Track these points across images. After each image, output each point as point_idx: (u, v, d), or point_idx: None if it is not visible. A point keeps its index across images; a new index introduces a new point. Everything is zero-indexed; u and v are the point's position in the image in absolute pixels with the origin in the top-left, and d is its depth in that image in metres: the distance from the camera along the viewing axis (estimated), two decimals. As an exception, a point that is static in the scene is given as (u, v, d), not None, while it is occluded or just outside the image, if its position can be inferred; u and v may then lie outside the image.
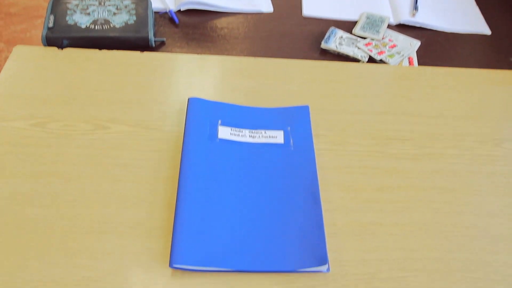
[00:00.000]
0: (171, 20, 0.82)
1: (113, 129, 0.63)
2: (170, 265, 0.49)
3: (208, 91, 0.69)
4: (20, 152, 0.59)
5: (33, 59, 0.70)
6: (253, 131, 0.63)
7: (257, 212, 0.55)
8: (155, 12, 0.82)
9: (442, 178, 0.61)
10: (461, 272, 0.53)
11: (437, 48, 0.83)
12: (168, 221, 0.54)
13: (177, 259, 0.49)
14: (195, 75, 0.71)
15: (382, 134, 0.66)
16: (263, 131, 0.63)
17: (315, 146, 0.63)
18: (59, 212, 0.54)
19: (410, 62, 0.78)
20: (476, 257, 0.54)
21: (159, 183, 0.57)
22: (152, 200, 0.56)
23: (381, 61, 0.77)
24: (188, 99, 0.65)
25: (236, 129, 0.63)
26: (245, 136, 0.62)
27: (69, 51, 0.72)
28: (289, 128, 0.64)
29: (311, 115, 0.67)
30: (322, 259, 0.50)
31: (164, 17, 0.82)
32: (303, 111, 0.66)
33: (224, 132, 0.62)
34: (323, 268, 0.50)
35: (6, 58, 1.68)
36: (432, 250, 0.54)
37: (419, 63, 0.79)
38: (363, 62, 0.77)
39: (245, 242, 0.52)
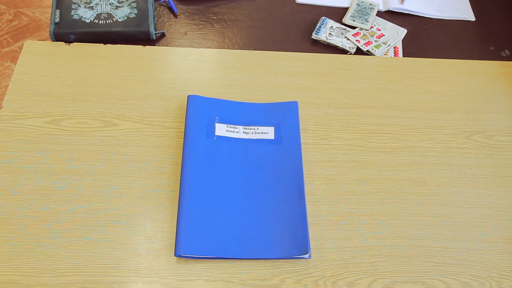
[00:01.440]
0: (170, 9, 0.86)
1: (121, 126, 0.69)
2: (175, 254, 0.58)
3: (206, 85, 0.75)
4: (39, 150, 0.66)
5: (44, 55, 0.76)
6: (247, 127, 0.70)
7: (249, 206, 0.63)
8: (154, 1, 0.86)
9: (415, 171, 0.69)
10: (423, 257, 0.62)
11: (423, 36, 0.87)
12: (172, 214, 0.62)
13: (181, 249, 0.58)
14: (194, 70, 0.77)
15: (364, 128, 0.73)
16: (255, 127, 0.70)
17: (302, 141, 0.71)
18: (78, 205, 0.62)
19: (395, 53, 0.83)
20: (438, 244, 0.63)
21: (163, 178, 0.65)
22: (158, 194, 0.64)
23: (368, 52, 0.82)
24: (188, 97, 0.71)
25: (231, 126, 0.70)
26: (239, 132, 0.69)
27: (76, 46, 0.77)
28: (279, 124, 0.70)
29: (300, 110, 0.74)
30: (304, 249, 0.59)
31: (163, 5, 0.86)
32: (292, 107, 0.72)
33: (221, 129, 0.69)
34: (306, 255, 0.59)
35: (7, 21, 1.70)
36: (400, 238, 0.63)
37: (404, 53, 0.84)
38: (351, 53, 0.82)
39: (238, 233, 0.61)
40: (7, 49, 1.68)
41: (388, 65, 0.81)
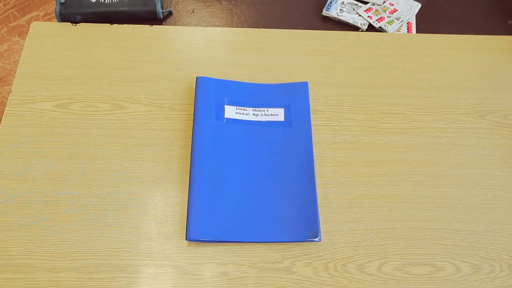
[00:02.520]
0: (177, -14, 0.84)
1: (130, 109, 0.69)
2: (187, 238, 0.58)
3: (214, 65, 0.74)
4: (50, 134, 0.66)
5: (50, 36, 0.75)
6: (256, 109, 0.69)
7: (259, 190, 0.63)
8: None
9: (427, 152, 0.68)
10: (434, 239, 0.62)
11: (437, 11, 0.84)
12: (183, 198, 0.63)
13: (192, 233, 0.59)
14: (202, 49, 0.76)
15: (375, 108, 0.72)
16: (265, 109, 0.69)
17: (312, 122, 0.70)
18: (90, 190, 0.62)
19: (409, 29, 0.81)
20: (449, 226, 0.63)
21: (173, 162, 0.65)
22: (168, 178, 0.64)
23: (380, 29, 0.80)
24: (196, 78, 0.70)
25: (240, 108, 0.69)
26: (249, 114, 0.69)
27: (82, 27, 0.76)
28: (289, 105, 0.70)
29: (310, 90, 0.73)
30: (314, 232, 0.60)
31: (170, -18, 0.84)
32: (303, 87, 0.71)
33: (230, 111, 0.68)
34: (316, 239, 0.60)
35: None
36: (411, 220, 0.63)
37: (418, 29, 0.81)
38: (362, 30, 0.80)
39: (248, 216, 0.61)
40: (14, 23, 1.67)
41: (401, 42, 0.79)
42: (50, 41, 0.75)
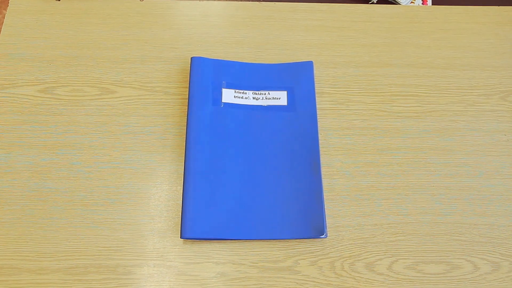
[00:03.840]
0: (170, -46, 0.77)
1: (119, 93, 0.64)
2: (181, 236, 0.54)
3: (211, 44, 0.68)
4: (33, 121, 0.61)
5: (32, 13, 0.69)
6: (257, 92, 0.64)
7: (260, 182, 0.58)
8: None
9: (442, 138, 0.63)
10: (449, 235, 0.57)
11: (455, -21, 0.77)
12: (177, 191, 0.58)
13: (187, 231, 0.54)
14: (197, 26, 0.69)
15: (387, 90, 0.66)
16: (266, 92, 0.64)
17: (318, 106, 0.64)
18: (77, 184, 0.58)
19: (424, 0, 0.74)
20: (466, 220, 0.58)
21: (167, 152, 0.60)
22: (161, 170, 0.59)
23: (393, 0, 0.73)
24: (191, 59, 0.64)
25: (239, 91, 0.63)
26: (248, 98, 0.63)
27: (67, 2, 0.70)
28: (292, 88, 0.64)
29: (315, 70, 0.67)
30: (320, 230, 0.55)
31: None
32: (307, 67, 0.65)
33: (228, 95, 0.63)
34: (321, 235, 0.55)
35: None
36: (424, 213, 0.58)
37: (434, 0, 0.74)
38: (373, 2, 0.73)
39: (248, 212, 0.56)
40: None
41: (415, 15, 0.72)
42: (32, 19, 0.68)
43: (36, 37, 0.67)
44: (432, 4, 0.74)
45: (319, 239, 0.56)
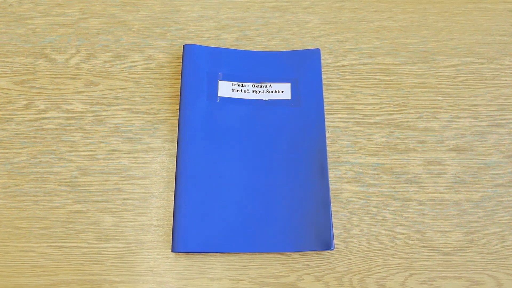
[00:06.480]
0: None
1: (104, 85, 0.57)
2: (173, 250, 0.49)
3: (206, 28, 0.61)
4: (8, 119, 0.55)
5: (6, -7, 0.62)
6: (257, 84, 0.57)
7: (260, 188, 0.52)
8: None
9: (464, 136, 0.56)
10: (470, 246, 0.52)
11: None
12: (168, 198, 0.52)
13: (179, 244, 0.49)
14: (191, 7, 0.62)
15: (402, 81, 0.59)
16: (268, 85, 0.57)
17: (325, 100, 0.58)
18: (58, 189, 0.52)
19: (445, -24, 0.66)
20: (488, 230, 0.52)
21: (157, 153, 0.54)
22: (150, 174, 0.53)
23: (410, -23, 0.65)
24: (184, 47, 0.57)
25: (238, 83, 0.57)
26: (248, 91, 0.57)
27: (45, -20, 0.63)
28: (297, 79, 0.57)
29: (323, 59, 0.60)
30: (326, 242, 0.49)
31: None
32: (314, 56, 0.58)
33: (225, 88, 0.56)
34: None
35: None
36: (442, 222, 0.52)
37: (456, -24, 0.67)
38: (388, -21, 0.65)
39: (247, 222, 0.51)
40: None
41: (435, -6, 0.64)
42: (5, 0, 0.61)
43: (10, 22, 0.60)
44: (454, -19, 0.66)
45: (326, 252, 0.51)
